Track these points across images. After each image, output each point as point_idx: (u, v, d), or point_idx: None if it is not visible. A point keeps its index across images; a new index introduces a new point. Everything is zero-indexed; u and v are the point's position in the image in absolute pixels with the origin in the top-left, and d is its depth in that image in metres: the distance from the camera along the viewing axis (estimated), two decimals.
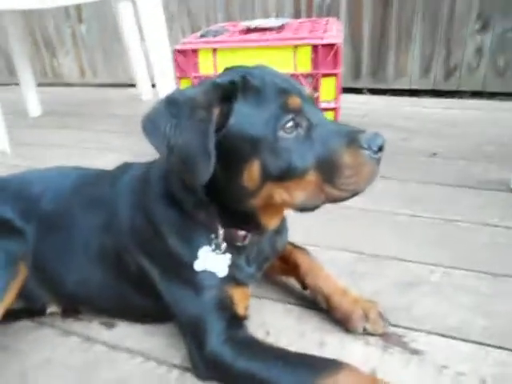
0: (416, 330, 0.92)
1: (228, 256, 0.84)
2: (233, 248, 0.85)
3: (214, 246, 0.83)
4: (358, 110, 2.39)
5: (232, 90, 0.72)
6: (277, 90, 0.72)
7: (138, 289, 0.93)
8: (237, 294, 0.85)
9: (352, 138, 0.70)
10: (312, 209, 0.77)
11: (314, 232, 1.25)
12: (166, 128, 0.68)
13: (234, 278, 0.85)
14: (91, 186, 1.01)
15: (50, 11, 3.28)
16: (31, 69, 2.64)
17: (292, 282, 1.06)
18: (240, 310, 0.86)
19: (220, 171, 0.74)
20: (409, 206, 1.40)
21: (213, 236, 0.84)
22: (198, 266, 0.83)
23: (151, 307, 0.94)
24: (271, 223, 0.86)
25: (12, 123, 2.45)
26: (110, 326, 1.00)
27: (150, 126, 0.71)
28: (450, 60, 2.50)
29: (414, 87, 2.63)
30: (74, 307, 1.03)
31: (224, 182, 0.77)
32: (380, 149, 0.70)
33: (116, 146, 2.06)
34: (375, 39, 2.59)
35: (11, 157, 2.08)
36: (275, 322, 0.97)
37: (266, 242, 0.93)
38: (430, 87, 2.60)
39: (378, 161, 0.71)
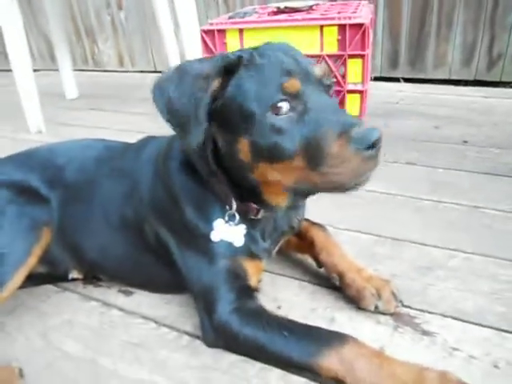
0: (429, 313, 0.90)
1: (242, 227, 0.86)
2: (247, 221, 0.86)
3: (227, 218, 0.85)
4: (392, 96, 2.34)
5: (236, 64, 0.73)
6: (279, 70, 0.71)
7: (156, 258, 0.96)
8: (250, 267, 0.86)
9: (344, 128, 0.67)
10: (305, 194, 0.80)
11: (332, 213, 1.24)
12: (170, 93, 0.71)
13: (248, 250, 0.87)
14: (115, 157, 1.05)
15: None
16: (69, 53, 2.74)
17: (308, 260, 1.06)
18: (252, 282, 0.87)
19: (221, 141, 0.78)
20: (434, 192, 1.36)
21: (227, 207, 0.85)
22: (214, 236, 0.85)
23: (168, 277, 0.97)
24: (276, 200, 0.85)
25: (49, 104, 2.56)
26: (128, 293, 1.03)
27: (157, 91, 0.73)
28: (494, 49, 2.38)
29: (453, 77, 2.52)
30: (94, 274, 1.07)
31: (225, 153, 0.79)
32: (373, 145, 0.65)
33: (148, 127, 2.09)
34: (414, 26, 2.49)
35: (46, 135, 2.16)
36: (287, 298, 0.97)
37: (281, 218, 0.93)
38: (471, 77, 2.48)
39: (372, 158, 0.66)
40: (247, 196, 0.84)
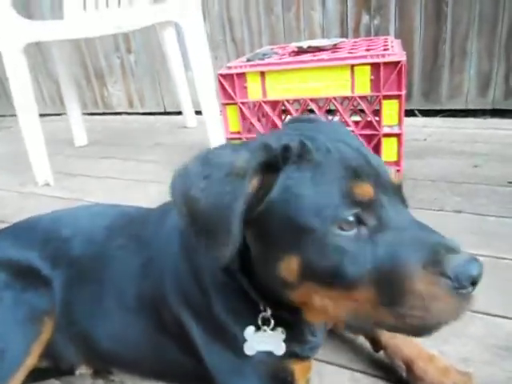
0: None
1: (280, 330, 0.69)
2: (286, 322, 0.70)
3: (260, 322, 0.68)
4: (416, 133, 2.19)
5: (283, 157, 0.55)
6: (344, 168, 0.54)
7: (176, 343, 0.80)
8: (298, 369, 0.70)
9: (434, 256, 0.51)
10: (358, 331, 0.66)
11: None
12: (193, 192, 0.54)
13: (294, 354, 0.70)
14: (131, 226, 0.90)
15: (100, 43, 3.34)
16: (77, 97, 2.66)
17: (359, 343, 0.89)
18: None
19: (256, 252, 0.60)
20: (489, 246, 1.19)
21: (261, 308, 0.68)
22: (248, 349, 0.68)
23: (190, 366, 0.80)
24: (317, 320, 0.69)
25: (57, 152, 2.47)
26: None
27: (177, 187, 0.56)
28: (510, 76, 2.27)
29: (470, 107, 2.40)
30: (105, 367, 0.90)
31: (260, 268, 0.62)
32: (474, 282, 0.50)
33: (159, 176, 1.98)
34: (427, 58, 2.41)
35: (55, 188, 2.05)
36: None
37: None
38: (488, 107, 2.37)
39: (467, 297, 0.51)
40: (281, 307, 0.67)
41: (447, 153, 1.89)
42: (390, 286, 0.51)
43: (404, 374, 0.78)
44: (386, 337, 0.81)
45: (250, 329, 0.68)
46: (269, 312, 0.67)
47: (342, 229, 0.52)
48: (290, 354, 0.69)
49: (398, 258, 0.51)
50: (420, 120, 2.44)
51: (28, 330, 0.77)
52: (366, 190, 0.53)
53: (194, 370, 0.80)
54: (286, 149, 0.55)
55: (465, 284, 0.49)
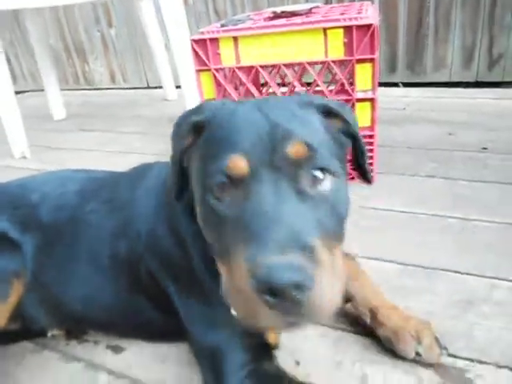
0: (480, 362, 0.74)
1: None
2: None
3: None
4: (397, 102, 2.19)
5: (202, 126, 0.62)
6: (232, 143, 0.55)
7: (151, 303, 0.82)
8: None
9: (258, 251, 0.46)
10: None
11: (349, 239, 1.09)
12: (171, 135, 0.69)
13: None
14: (102, 190, 0.90)
15: (79, 15, 3.25)
16: (55, 70, 2.61)
17: None
18: (271, 338, 0.72)
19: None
20: (460, 208, 1.21)
21: None
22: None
23: (165, 323, 0.82)
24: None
25: (35, 126, 2.43)
26: (118, 350, 0.88)
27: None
28: (494, 49, 2.27)
29: (454, 79, 2.40)
30: (78, 328, 0.91)
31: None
32: (275, 292, 0.44)
33: (139, 147, 1.96)
34: (411, 29, 2.39)
35: (31, 161, 2.02)
36: (307, 349, 0.82)
37: None
38: (472, 79, 2.37)
39: (274, 307, 0.45)
40: None
41: (425, 121, 1.90)
42: (228, 263, 0.53)
43: (368, 321, 0.81)
44: (353, 288, 0.83)
45: None
46: None
47: (216, 198, 0.54)
48: None
49: (233, 239, 0.51)
50: (401, 90, 2.44)
51: None
52: (238, 165, 0.53)
53: (168, 327, 0.82)
54: (206, 118, 0.61)
55: (264, 287, 0.44)
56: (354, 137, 0.66)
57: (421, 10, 2.34)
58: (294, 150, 0.53)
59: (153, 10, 2.45)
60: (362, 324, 0.83)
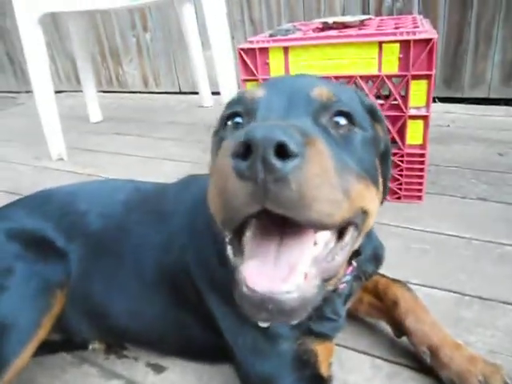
0: None
1: None
2: None
3: None
4: (438, 119, 2.12)
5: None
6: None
7: (196, 319, 0.79)
8: (321, 349, 0.67)
9: (247, 130, 0.39)
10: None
11: (392, 261, 1.03)
12: None
13: (314, 332, 0.67)
14: (148, 201, 0.88)
15: (116, 19, 3.29)
16: (93, 75, 2.63)
17: (380, 328, 0.86)
18: (323, 370, 0.67)
19: None
20: None
21: None
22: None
23: (209, 341, 0.78)
24: None
25: (72, 128, 2.45)
26: (158, 369, 0.84)
27: None
28: None
29: (492, 96, 2.31)
30: (120, 342, 0.89)
31: None
32: (250, 150, 0.38)
33: (175, 154, 1.94)
34: (450, 44, 2.32)
35: (68, 163, 2.02)
36: (360, 381, 0.77)
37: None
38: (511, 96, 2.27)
39: (244, 176, 0.39)
40: None
41: (471, 139, 1.82)
42: None
43: (428, 361, 0.74)
44: (410, 322, 0.77)
45: None
46: None
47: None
48: (311, 331, 0.66)
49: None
50: (440, 106, 2.36)
51: (39, 302, 0.75)
52: (252, 90, 0.56)
53: (213, 347, 0.78)
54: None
55: (237, 147, 0.38)
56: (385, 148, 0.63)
57: (461, 25, 2.26)
58: (316, 92, 0.52)
59: (194, 15, 2.45)
60: (420, 360, 0.77)
